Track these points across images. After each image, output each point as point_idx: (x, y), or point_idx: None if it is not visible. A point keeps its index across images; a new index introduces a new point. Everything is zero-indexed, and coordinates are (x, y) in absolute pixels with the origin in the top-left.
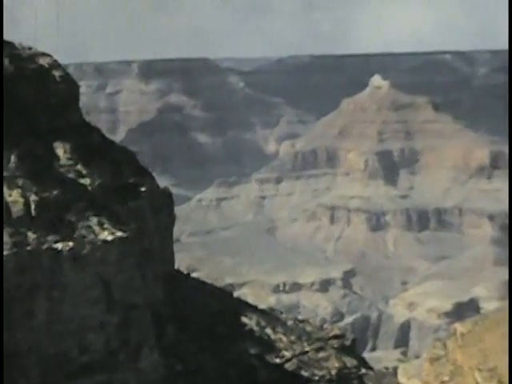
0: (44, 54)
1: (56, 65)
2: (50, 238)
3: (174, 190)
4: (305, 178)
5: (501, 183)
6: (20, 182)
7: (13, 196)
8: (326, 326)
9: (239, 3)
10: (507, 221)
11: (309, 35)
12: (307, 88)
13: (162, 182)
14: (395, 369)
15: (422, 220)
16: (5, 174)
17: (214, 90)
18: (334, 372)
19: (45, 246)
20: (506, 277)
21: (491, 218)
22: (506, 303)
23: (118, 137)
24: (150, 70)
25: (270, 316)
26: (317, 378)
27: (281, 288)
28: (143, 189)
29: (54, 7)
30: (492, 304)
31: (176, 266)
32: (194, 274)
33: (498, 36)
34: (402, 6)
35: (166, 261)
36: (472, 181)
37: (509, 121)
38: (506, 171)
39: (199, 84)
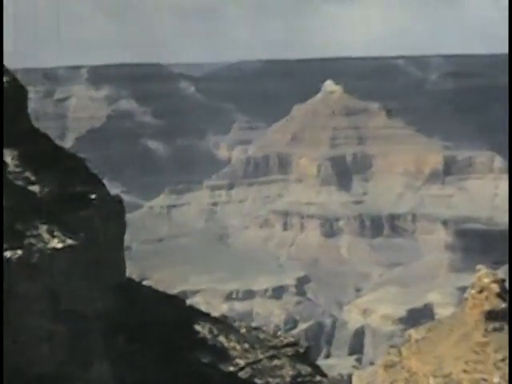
0: None
1: (3, 70)
2: None
3: (124, 198)
4: (257, 185)
5: (454, 189)
6: None
7: None
8: (279, 333)
9: (191, 8)
10: (461, 226)
11: (260, 40)
12: (259, 93)
13: (113, 189)
14: (350, 376)
15: (375, 226)
16: None
17: (164, 96)
18: (288, 380)
19: None
20: (461, 283)
21: (445, 223)
22: (460, 309)
23: (68, 143)
24: (99, 75)
25: (223, 324)
26: None
27: (234, 295)
28: (93, 196)
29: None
30: (446, 310)
31: (127, 275)
32: (145, 283)
33: (449, 41)
34: (355, 11)
35: (116, 269)
36: (425, 186)
37: (509, 121)
38: (459, 176)
39: (150, 90)
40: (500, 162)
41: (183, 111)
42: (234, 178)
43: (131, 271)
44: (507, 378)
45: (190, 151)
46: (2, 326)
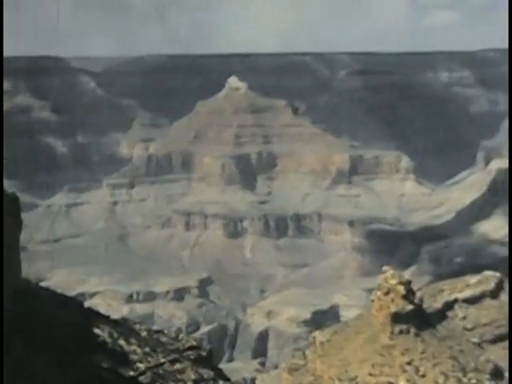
0: None
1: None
2: None
3: (21, 196)
4: (159, 184)
5: (360, 188)
6: None
7: None
8: (181, 336)
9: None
10: (368, 227)
11: (165, 35)
12: (161, 89)
13: (9, 187)
14: (253, 380)
15: (280, 226)
16: None
17: (63, 91)
18: None
19: None
20: (367, 284)
21: (351, 224)
22: (366, 311)
23: None
24: None
25: (123, 327)
26: None
27: (134, 297)
28: None
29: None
30: (352, 312)
31: (23, 276)
32: (42, 284)
33: (357, 38)
34: (261, 7)
35: (12, 270)
36: (331, 186)
37: (509, 122)
38: (366, 176)
39: (48, 84)
40: (407, 161)
41: (83, 107)
42: (135, 176)
43: (28, 272)
44: (414, 381)
45: (90, 148)
46: (2, 328)
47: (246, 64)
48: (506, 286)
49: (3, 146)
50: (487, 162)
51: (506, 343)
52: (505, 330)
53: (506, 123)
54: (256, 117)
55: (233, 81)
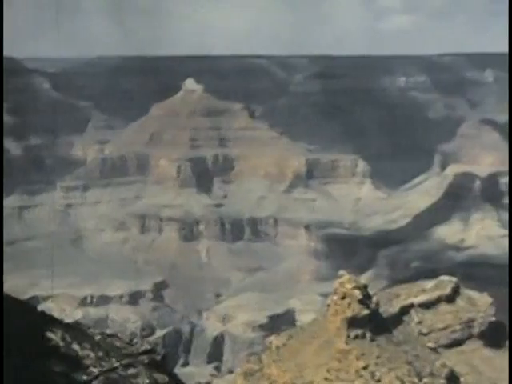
0: None
1: None
2: None
3: None
4: (113, 186)
5: (317, 192)
6: None
7: None
8: (135, 340)
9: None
10: (324, 231)
11: (121, 36)
12: (117, 91)
13: None
14: None
15: (236, 230)
16: None
17: (17, 92)
18: None
19: None
20: (323, 289)
21: (307, 228)
22: (322, 316)
23: None
24: None
25: (76, 331)
26: None
27: (88, 301)
28: None
29: None
30: (308, 316)
31: None
32: None
33: (314, 42)
34: (219, 9)
35: None
36: (288, 190)
37: (509, 122)
38: (322, 180)
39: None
40: (363, 166)
41: (36, 108)
42: (89, 178)
43: None
44: None
45: (43, 150)
46: (3, 331)
47: (202, 66)
48: (462, 290)
49: (3, 146)
50: (443, 166)
51: (462, 348)
52: (460, 334)
53: (462, 128)
54: (212, 120)
55: (189, 83)
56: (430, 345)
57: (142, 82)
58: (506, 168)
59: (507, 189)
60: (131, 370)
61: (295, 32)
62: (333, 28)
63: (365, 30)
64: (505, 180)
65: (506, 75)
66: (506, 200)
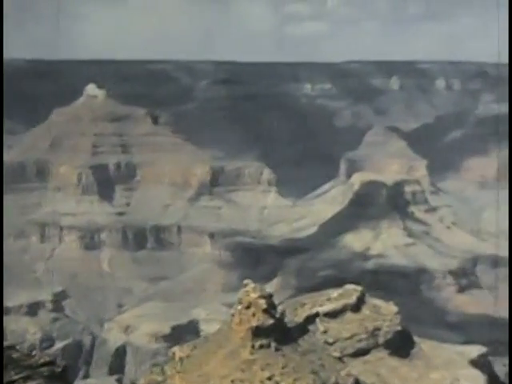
0: None
1: None
2: None
3: None
4: (13, 193)
5: (222, 200)
6: None
7: None
8: (35, 352)
9: None
10: (229, 240)
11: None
12: (17, 95)
13: None
14: None
15: (139, 238)
16: None
17: None
18: None
19: None
20: (228, 298)
21: (212, 236)
22: (227, 325)
23: None
24: None
25: None
26: None
27: None
28: None
29: None
30: (212, 326)
31: None
32: None
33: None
34: (122, 13)
35: None
36: (192, 198)
37: (509, 122)
38: (227, 188)
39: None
40: (268, 173)
41: None
42: None
43: None
44: None
45: None
46: (3, 326)
47: (105, 71)
48: (367, 299)
49: (3, 145)
50: (349, 174)
51: (367, 357)
52: (366, 343)
53: (368, 136)
54: (115, 125)
55: (90, 88)
56: (336, 354)
57: (44, 86)
58: (411, 176)
59: (412, 197)
60: (30, 383)
61: (202, 37)
62: (239, 33)
63: (273, 35)
64: (410, 188)
65: (412, 82)
66: (412, 208)
